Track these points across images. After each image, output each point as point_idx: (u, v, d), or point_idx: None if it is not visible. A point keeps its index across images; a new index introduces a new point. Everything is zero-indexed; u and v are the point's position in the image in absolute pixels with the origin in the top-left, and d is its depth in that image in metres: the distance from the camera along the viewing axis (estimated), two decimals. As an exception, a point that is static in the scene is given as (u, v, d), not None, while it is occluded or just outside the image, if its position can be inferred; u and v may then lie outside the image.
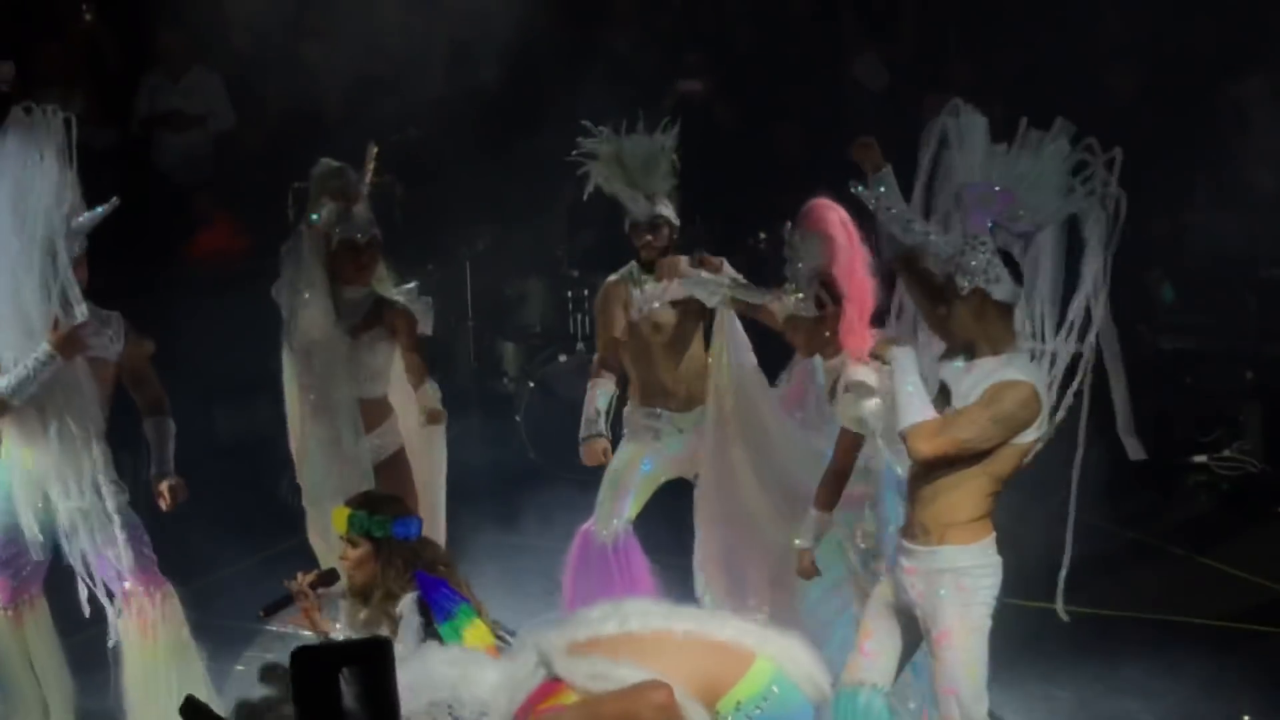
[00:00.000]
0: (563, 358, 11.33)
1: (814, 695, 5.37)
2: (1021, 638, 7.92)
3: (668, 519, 8.56)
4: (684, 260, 8.20)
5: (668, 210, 8.15)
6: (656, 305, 8.19)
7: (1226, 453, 11.18)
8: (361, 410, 7.90)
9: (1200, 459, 11.15)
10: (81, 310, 7.15)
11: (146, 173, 12.68)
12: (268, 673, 4.70)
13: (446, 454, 8.23)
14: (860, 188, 6.63)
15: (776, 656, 5.18)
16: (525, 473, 11.13)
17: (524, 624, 7.98)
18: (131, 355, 7.53)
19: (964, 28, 13.67)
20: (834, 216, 7.41)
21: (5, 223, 7.11)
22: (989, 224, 6.18)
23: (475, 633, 6.15)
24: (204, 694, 7.44)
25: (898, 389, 6.13)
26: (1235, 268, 11.64)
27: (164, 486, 7.56)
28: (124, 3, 13.25)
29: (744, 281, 7.99)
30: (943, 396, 6.18)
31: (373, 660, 3.90)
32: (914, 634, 6.38)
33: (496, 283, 12.00)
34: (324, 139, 11.24)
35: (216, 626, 8.32)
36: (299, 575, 6.62)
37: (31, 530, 7.31)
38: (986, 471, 6.11)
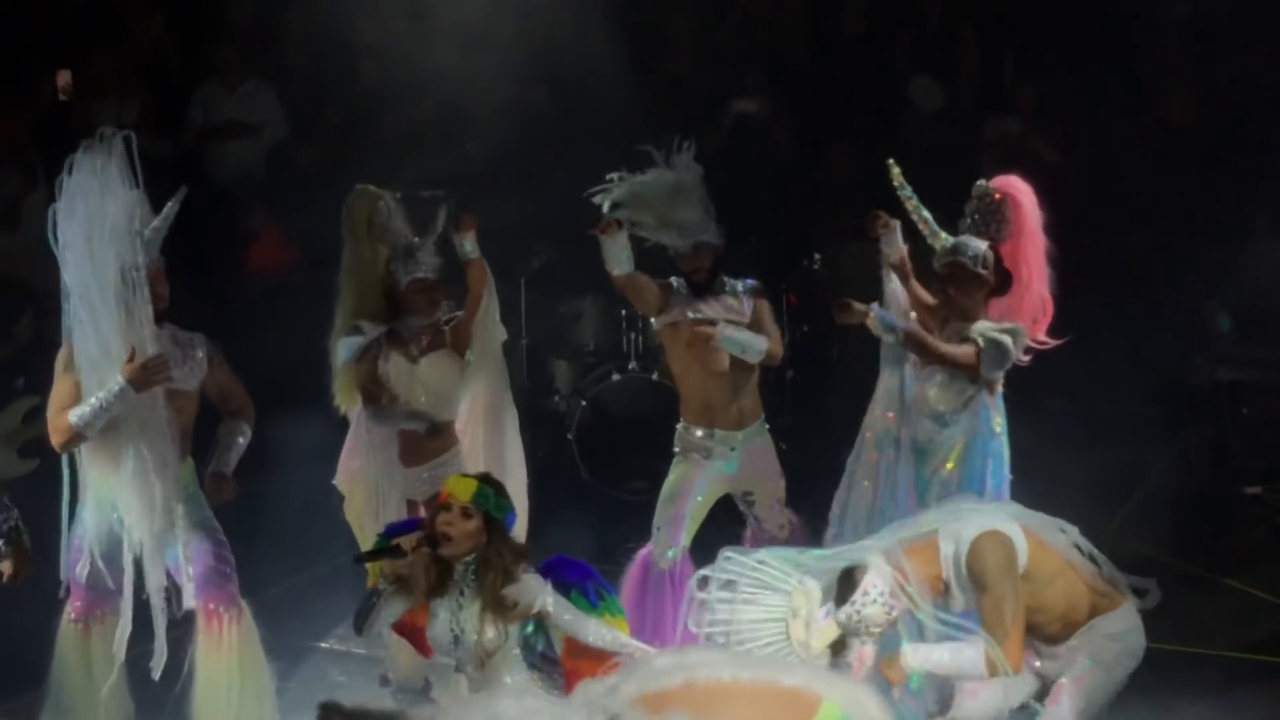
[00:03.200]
0: (616, 376, 11.31)
1: None
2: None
3: (718, 541, 8.52)
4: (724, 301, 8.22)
5: (706, 235, 8.16)
6: (706, 316, 8.18)
7: (1283, 484, 11.10)
8: (424, 435, 7.91)
9: (1256, 490, 11.05)
10: (152, 342, 7.15)
11: (200, 183, 12.71)
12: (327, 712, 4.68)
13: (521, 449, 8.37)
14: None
15: (842, 701, 5.15)
16: (577, 491, 11.10)
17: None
18: (214, 379, 7.54)
19: (1021, 51, 13.61)
20: (1027, 196, 7.59)
21: (81, 252, 7.12)
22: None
23: (619, 624, 6.46)
24: (270, 713, 7.46)
25: (937, 669, 6.22)
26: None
27: (212, 483, 7.59)
28: (179, 15, 13.30)
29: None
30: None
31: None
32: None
33: (551, 301, 11.98)
34: (380, 153, 11.28)
35: (270, 644, 8.30)
36: (409, 536, 6.60)
37: (98, 554, 7.32)
38: (1049, 594, 6.21)
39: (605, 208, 8.23)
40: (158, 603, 7.35)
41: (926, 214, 8.06)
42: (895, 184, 8.09)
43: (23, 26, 12.55)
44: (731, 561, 6.21)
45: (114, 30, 13.03)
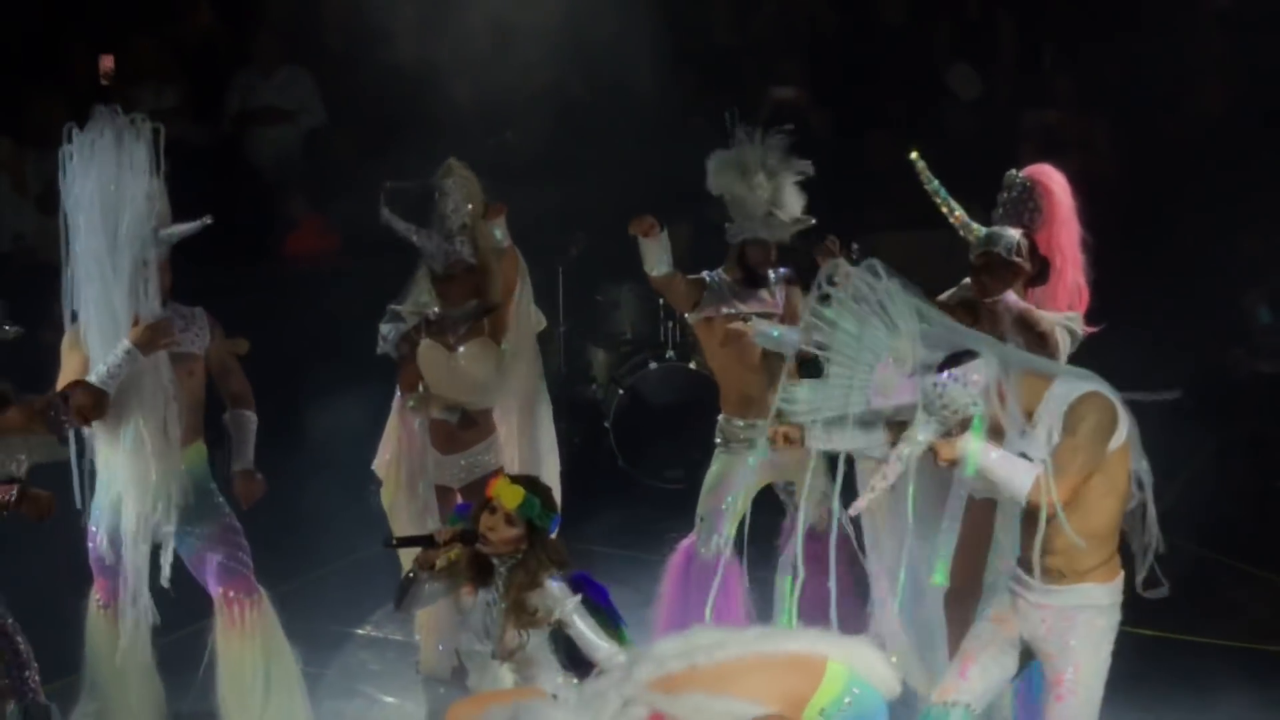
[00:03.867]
0: (653, 365, 11.32)
1: (887, 692, 5.51)
2: (1122, 666, 7.82)
3: (755, 532, 8.52)
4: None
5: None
6: (739, 310, 8.17)
7: (1323, 478, 11.05)
8: (457, 426, 7.92)
9: (1298, 483, 11.01)
10: (158, 308, 7.17)
11: (238, 169, 12.74)
12: None
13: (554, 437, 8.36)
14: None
15: (847, 659, 5.18)
16: (614, 479, 11.10)
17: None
18: (216, 350, 7.54)
19: (1060, 40, 13.57)
20: (1059, 184, 7.55)
21: (96, 223, 7.12)
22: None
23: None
24: (299, 698, 7.47)
25: (990, 469, 6.00)
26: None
27: (242, 483, 7.61)
28: (218, 1, 13.32)
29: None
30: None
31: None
32: (1018, 665, 6.32)
33: (588, 289, 11.98)
34: (419, 141, 11.27)
35: (307, 630, 8.33)
36: (441, 529, 6.75)
37: (109, 538, 7.32)
38: (1109, 492, 6.03)
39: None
40: (135, 579, 7.32)
41: (957, 207, 8.03)
42: (922, 179, 8.07)
43: (64, 11, 12.60)
44: (869, 277, 6.16)
45: (155, 15, 13.06)
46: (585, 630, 6.41)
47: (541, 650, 6.50)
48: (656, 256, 8.13)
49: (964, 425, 6.02)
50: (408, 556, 7.85)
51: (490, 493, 6.60)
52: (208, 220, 7.32)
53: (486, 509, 6.55)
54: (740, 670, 5.15)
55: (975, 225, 7.91)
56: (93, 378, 7.11)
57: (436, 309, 8.05)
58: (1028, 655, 6.31)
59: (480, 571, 6.62)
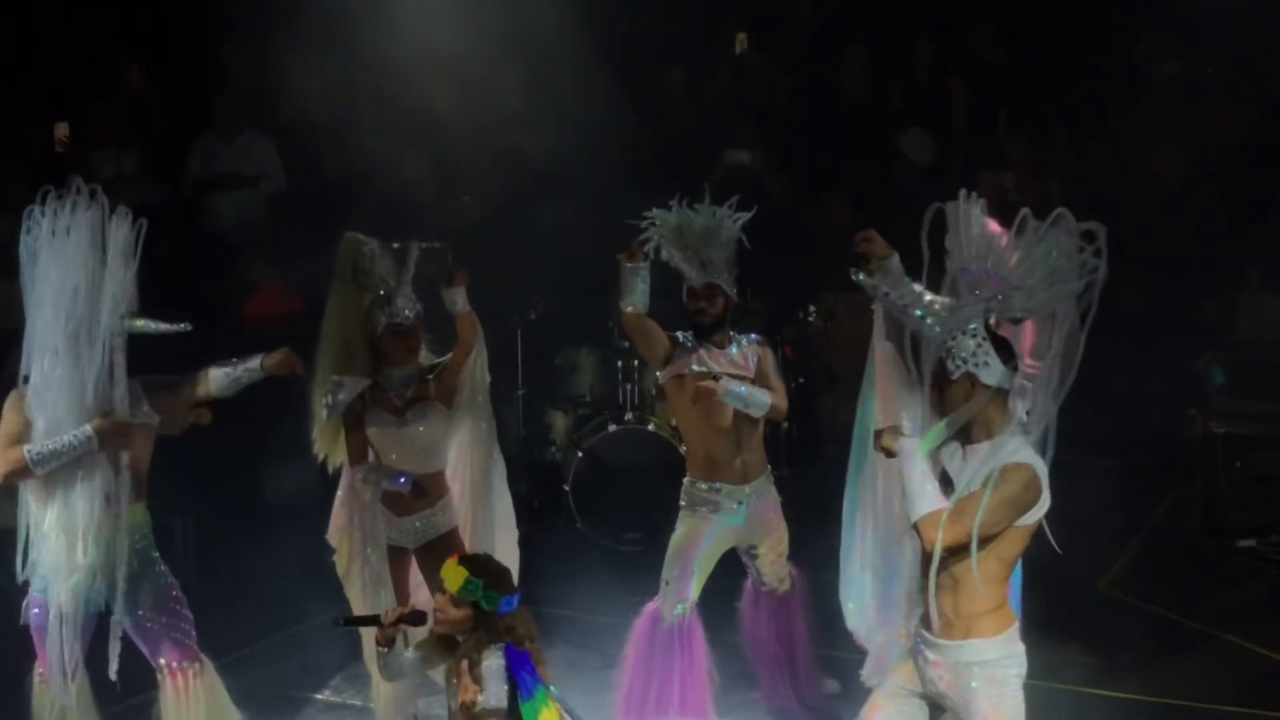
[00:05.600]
0: (612, 427, 11.32)
1: None
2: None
3: (720, 595, 8.54)
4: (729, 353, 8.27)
5: (722, 279, 8.20)
6: (710, 369, 8.19)
7: (1276, 538, 11.09)
8: (412, 494, 7.93)
9: (1250, 543, 11.05)
10: (124, 395, 7.15)
11: (199, 233, 12.76)
12: None
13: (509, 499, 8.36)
14: (860, 275, 6.73)
15: None
16: (573, 542, 11.11)
17: (576, 698, 8.01)
18: (170, 415, 7.48)
19: (1014, 104, 13.70)
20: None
21: (63, 300, 7.05)
22: (983, 309, 6.22)
23: (549, 715, 6.43)
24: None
25: (906, 479, 6.12)
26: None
27: (278, 358, 7.57)
28: (177, 66, 13.36)
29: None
30: (945, 483, 6.18)
31: None
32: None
33: (547, 352, 12.00)
34: (377, 203, 11.32)
35: (264, 696, 8.31)
36: (388, 610, 6.81)
37: (53, 603, 7.21)
38: (994, 555, 6.11)
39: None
40: (70, 654, 7.22)
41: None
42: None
43: (21, 77, 12.63)
44: None
45: (112, 82, 13.10)
46: None
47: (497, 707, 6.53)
48: (633, 288, 8.14)
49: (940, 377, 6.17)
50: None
51: (440, 572, 6.64)
52: (187, 327, 7.27)
53: (439, 590, 6.62)
54: None
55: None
56: (38, 448, 7.05)
57: (377, 377, 8.05)
58: (938, 710, 6.38)
59: (449, 643, 6.69)
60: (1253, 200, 12.03)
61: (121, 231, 7.12)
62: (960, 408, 6.18)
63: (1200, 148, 12.86)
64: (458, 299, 8.06)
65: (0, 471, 7.11)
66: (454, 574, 6.57)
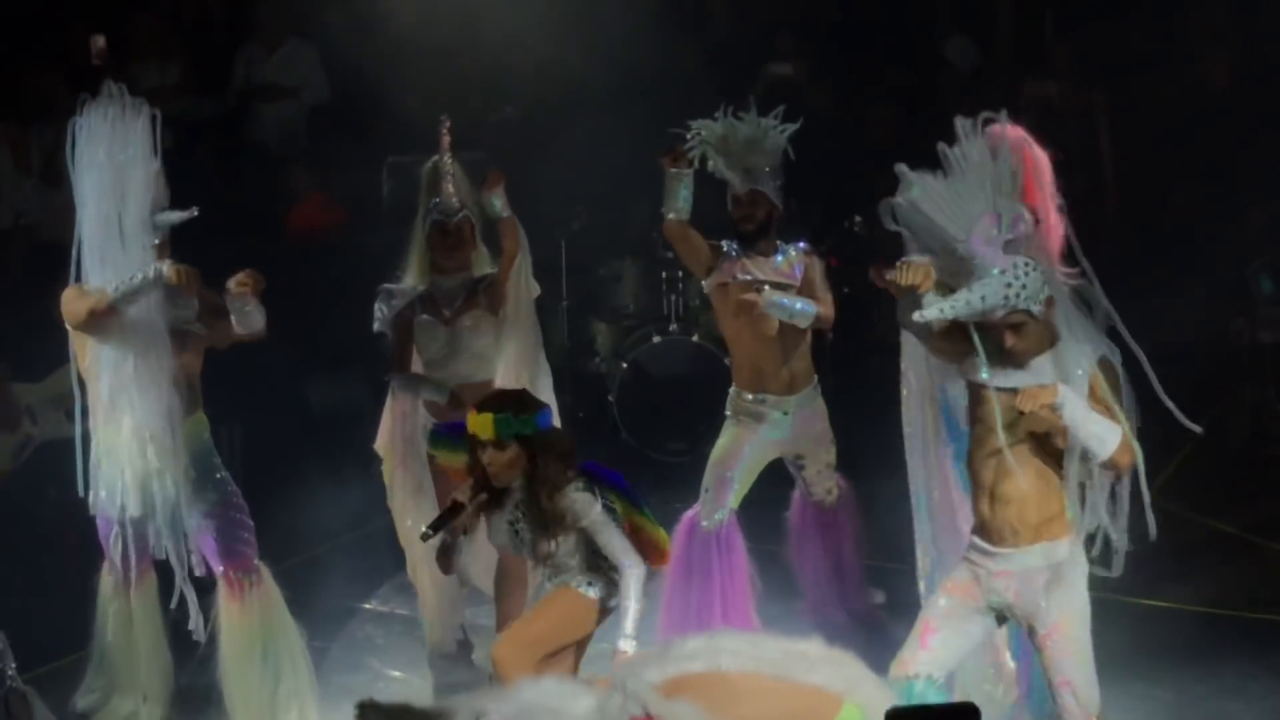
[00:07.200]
0: (656, 338, 11.33)
1: None
2: (1121, 635, 7.87)
3: (765, 505, 8.55)
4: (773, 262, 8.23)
5: (766, 186, 8.15)
6: (756, 278, 8.16)
7: (1325, 446, 11.07)
8: (465, 394, 7.92)
9: (1299, 452, 11.04)
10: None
11: (242, 145, 12.74)
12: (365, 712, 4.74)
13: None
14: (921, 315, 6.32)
15: (863, 703, 5.15)
16: (618, 454, 11.12)
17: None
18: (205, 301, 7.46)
19: (1060, 10, 13.56)
20: (1022, 135, 7.57)
21: (103, 202, 7.16)
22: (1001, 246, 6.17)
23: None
24: (305, 673, 7.51)
25: (1083, 422, 6.00)
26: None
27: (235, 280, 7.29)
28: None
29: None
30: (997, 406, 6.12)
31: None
32: (985, 635, 6.42)
33: (591, 264, 11.99)
34: (422, 116, 11.28)
35: (313, 605, 8.37)
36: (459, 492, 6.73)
37: (111, 503, 7.34)
38: (1051, 454, 6.13)
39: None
40: (179, 566, 7.39)
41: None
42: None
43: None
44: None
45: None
46: (605, 534, 6.59)
47: (569, 555, 6.66)
48: (676, 195, 8.10)
49: (1008, 321, 6.03)
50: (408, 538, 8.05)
51: (470, 428, 6.61)
52: (194, 212, 7.30)
53: (479, 448, 6.59)
54: (755, 688, 5.12)
55: None
56: (116, 285, 7.07)
57: (427, 285, 8.07)
58: (1001, 618, 6.39)
59: (488, 503, 6.70)
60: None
61: (143, 129, 7.19)
62: (1043, 338, 6.11)
63: (1247, 54, 12.72)
64: (496, 202, 8.04)
65: (87, 307, 7.14)
66: (481, 423, 6.53)
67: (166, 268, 7.06)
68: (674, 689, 5.00)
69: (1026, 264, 6.09)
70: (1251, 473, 10.84)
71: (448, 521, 6.69)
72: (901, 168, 6.35)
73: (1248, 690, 7.96)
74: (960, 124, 6.33)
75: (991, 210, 6.20)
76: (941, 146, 6.32)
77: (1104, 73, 12.88)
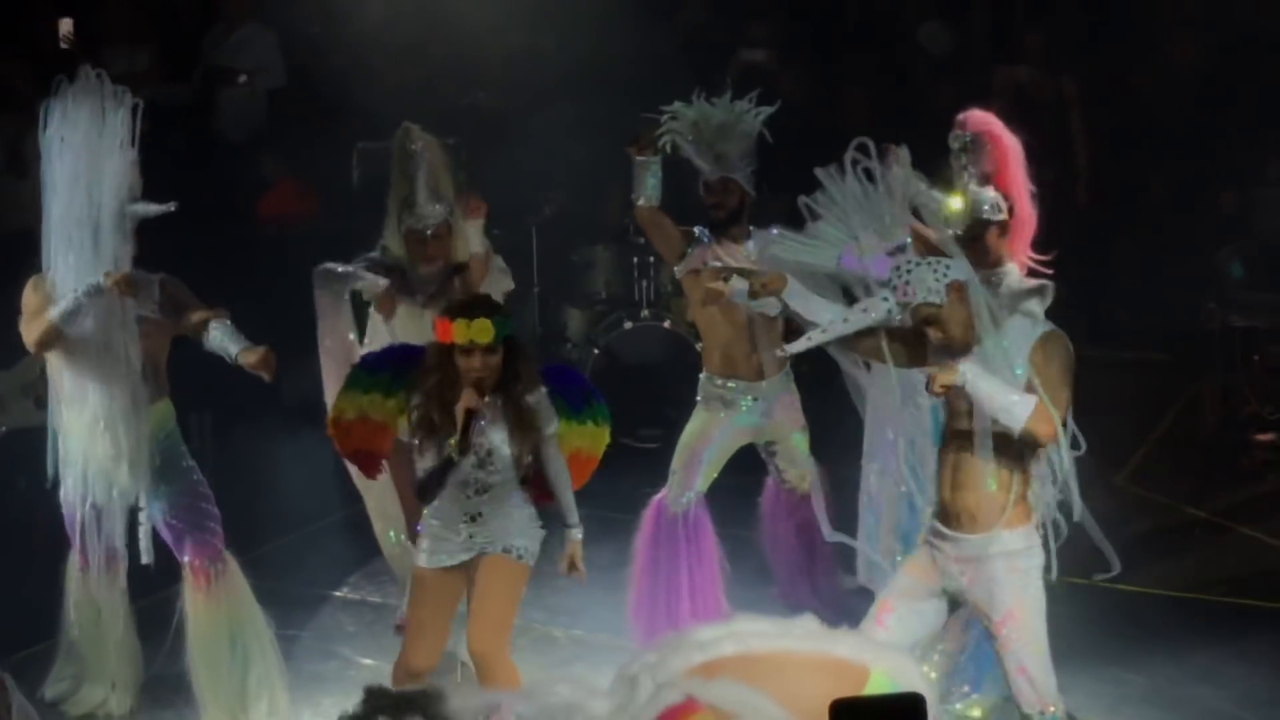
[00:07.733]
0: (628, 324, 11.30)
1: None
2: (1093, 619, 7.90)
3: (735, 490, 8.55)
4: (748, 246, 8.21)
5: (737, 173, 8.14)
6: (727, 265, 8.14)
7: (1293, 430, 11.10)
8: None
9: (1267, 437, 11.05)
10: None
11: (202, 130, 12.65)
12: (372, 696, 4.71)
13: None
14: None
15: (890, 671, 5.16)
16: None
17: (591, 593, 8.05)
18: (168, 295, 7.45)
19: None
20: (995, 122, 7.56)
21: (74, 189, 7.14)
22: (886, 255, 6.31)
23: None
24: (274, 662, 7.49)
25: (990, 395, 6.00)
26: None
27: (255, 358, 7.31)
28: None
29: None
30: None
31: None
32: (938, 618, 6.41)
33: (562, 249, 11.97)
34: (391, 101, 11.24)
35: (284, 592, 8.34)
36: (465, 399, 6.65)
37: (85, 499, 7.36)
38: (1012, 441, 6.11)
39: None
40: (145, 555, 7.42)
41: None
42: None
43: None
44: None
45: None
46: (555, 457, 6.87)
47: (512, 466, 6.70)
48: (644, 182, 8.11)
49: (918, 318, 6.09)
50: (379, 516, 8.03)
51: (460, 338, 6.51)
52: (171, 206, 7.27)
53: (459, 355, 6.52)
54: (787, 665, 5.12)
55: (948, 203, 7.73)
56: (58, 308, 7.12)
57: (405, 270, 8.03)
58: (955, 603, 6.39)
59: (441, 423, 6.65)
60: (1271, 91, 11.91)
61: (120, 116, 7.16)
62: (965, 321, 6.12)
63: (1218, 39, 12.73)
64: (472, 237, 8.02)
65: (34, 339, 7.24)
66: (481, 327, 6.46)
67: (103, 278, 7.07)
68: (710, 674, 5.00)
69: (908, 262, 6.13)
70: (1223, 457, 10.85)
71: (471, 431, 6.62)
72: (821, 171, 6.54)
73: (1219, 674, 7.98)
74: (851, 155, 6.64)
75: (860, 238, 6.33)
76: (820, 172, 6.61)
77: (1076, 58, 12.89)
